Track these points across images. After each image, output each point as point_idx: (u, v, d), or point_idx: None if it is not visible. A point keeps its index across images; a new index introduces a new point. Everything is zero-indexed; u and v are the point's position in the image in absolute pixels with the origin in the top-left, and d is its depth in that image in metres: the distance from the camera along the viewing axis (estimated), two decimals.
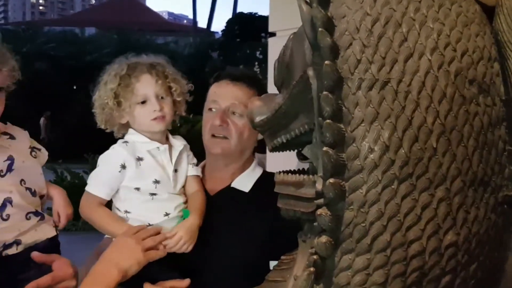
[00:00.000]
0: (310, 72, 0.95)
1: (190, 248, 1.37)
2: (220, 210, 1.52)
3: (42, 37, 15.80)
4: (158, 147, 1.44)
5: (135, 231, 1.23)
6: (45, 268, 1.20)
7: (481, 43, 0.93)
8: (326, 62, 0.88)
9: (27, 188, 1.21)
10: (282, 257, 1.18)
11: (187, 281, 1.31)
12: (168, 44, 18.45)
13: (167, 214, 1.40)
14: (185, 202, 1.48)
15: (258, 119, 1.15)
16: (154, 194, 1.40)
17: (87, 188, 1.39)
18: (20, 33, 16.20)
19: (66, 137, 13.53)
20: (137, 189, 1.40)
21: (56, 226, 1.29)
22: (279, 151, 1.18)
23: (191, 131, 11.43)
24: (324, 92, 0.88)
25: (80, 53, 14.80)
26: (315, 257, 0.87)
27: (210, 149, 1.59)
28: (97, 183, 1.39)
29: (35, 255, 1.18)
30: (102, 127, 1.46)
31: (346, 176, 0.87)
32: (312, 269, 0.86)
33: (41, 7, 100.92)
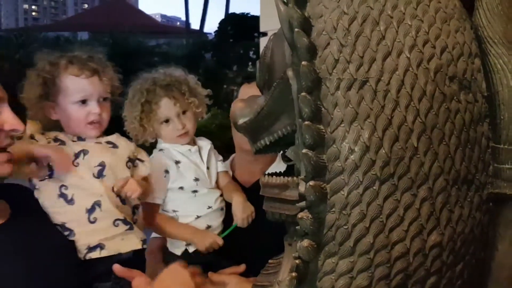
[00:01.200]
0: (290, 73, 0.93)
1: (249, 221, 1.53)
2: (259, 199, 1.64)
3: (35, 43, 15.76)
4: (189, 149, 1.60)
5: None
6: (124, 283, 1.14)
7: (461, 39, 0.91)
8: (303, 62, 0.86)
9: (118, 195, 1.18)
10: (270, 260, 1.17)
11: (243, 266, 1.43)
12: (161, 46, 18.44)
13: (209, 207, 1.58)
14: (221, 195, 1.65)
15: (241, 121, 1.13)
16: (196, 191, 1.56)
17: (150, 200, 1.50)
18: (13, 39, 16.13)
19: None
20: (181, 188, 1.55)
21: (143, 240, 1.25)
22: (263, 153, 1.17)
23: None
24: (302, 93, 0.86)
25: None
26: (297, 261, 0.86)
27: (242, 145, 1.72)
28: (157, 194, 1.52)
29: (117, 267, 1.11)
30: (135, 141, 1.58)
31: (327, 178, 0.86)
32: (294, 274, 0.85)
33: (33, 13, 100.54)
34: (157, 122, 1.56)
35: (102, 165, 1.20)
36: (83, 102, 1.18)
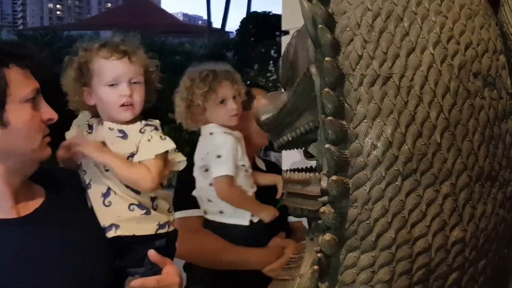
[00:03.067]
0: (313, 69, 0.94)
1: None
2: None
3: (60, 41, 16.05)
4: (238, 136, 1.73)
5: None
6: (157, 269, 1.17)
7: (486, 36, 0.91)
8: (327, 58, 0.87)
9: (128, 186, 1.19)
10: (291, 255, 1.18)
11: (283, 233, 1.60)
12: (183, 45, 18.56)
13: (253, 186, 1.73)
14: None
15: (263, 117, 1.14)
16: (247, 170, 1.72)
17: (226, 172, 1.62)
18: (39, 38, 16.47)
19: None
20: (243, 165, 1.70)
21: (160, 225, 1.25)
22: (285, 150, 1.18)
23: None
24: (326, 89, 0.87)
25: None
26: (319, 255, 0.87)
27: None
28: (230, 166, 1.64)
29: (152, 253, 1.14)
30: (183, 122, 1.80)
31: (350, 173, 0.87)
32: (316, 267, 0.86)
33: (58, 12, 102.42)
34: (214, 103, 1.69)
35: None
36: (114, 84, 1.16)
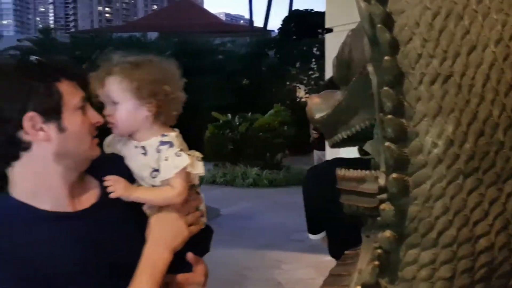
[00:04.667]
0: (370, 68, 0.95)
1: None
2: None
3: (110, 43, 16.55)
4: None
5: (177, 205, 1.22)
6: (188, 267, 1.25)
7: None
8: (386, 57, 0.88)
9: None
10: (346, 252, 1.19)
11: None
12: (225, 44, 18.70)
13: None
14: None
15: (318, 115, 1.17)
16: None
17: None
18: (89, 40, 17.03)
19: None
20: None
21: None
22: (339, 147, 1.19)
23: (249, 128, 11.59)
24: (385, 88, 0.88)
25: None
26: (379, 251, 0.88)
27: None
28: None
29: (190, 256, 1.24)
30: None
31: (410, 171, 0.87)
32: (376, 262, 0.87)
33: (107, 15, 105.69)
34: None
35: (132, 171, 1.27)
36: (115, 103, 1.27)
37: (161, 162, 1.21)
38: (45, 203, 1.10)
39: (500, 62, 0.86)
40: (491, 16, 0.88)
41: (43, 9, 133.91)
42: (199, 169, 1.28)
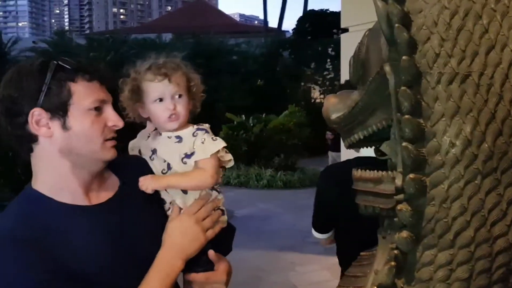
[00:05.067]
0: (387, 68, 0.95)
1: None
2: None
3: (125, 44, 16.68)
4: None
5: (195, 210, 1.25)
6: (209, 266, 1.26)
7: None
8: (404, 57, 0.88)
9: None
10: (362, 253, 1.19)
11: None
12: (240, 45, 18.73)
13: None
14: None
15: (334, 116, 1.16)
16: None
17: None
18: (104, 41, 17.21)
19: None
20: None
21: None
22: (355, 148, 1.19)
23: (264, 129, 11.58)
24: (402, 87, 0.88)
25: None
26: (396, 251, 0.88)
27: None
28: None
29: (211, 253, 1.25)
30: None
31: (427, 172, 0.87)
32: (393, 263, 0.87)
33: (122, 16, 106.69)
34: None
35: (165, 161, 1.32)
36: (161, 100, 1.32)
37: (197, 145, 1.29)
38: (64, 197, 1.14)
39: None
40: (510, 15, 0.87)
41: (58, 11, 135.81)
42: (228, 157, 1.35)
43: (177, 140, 1.31)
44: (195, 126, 1.32)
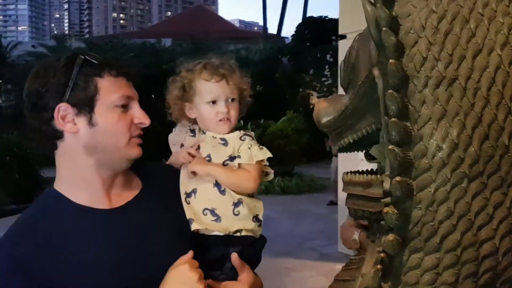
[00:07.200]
0: (376, 72, 0.95)
1: None
2: None
3: (124, 49, 16.74)
4: None
5: (188, 258, 1.13)
6: (233, 275, 1.21)
7: None
8: (391, 61, 0.88)
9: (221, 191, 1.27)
10: (351, 257, 1.19)
11: None
12: (239, 51, 18.80)
13: None
14: None
15: (324, 120, 1.16)
16: None
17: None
18: (104, 46, 17.27)
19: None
20: None
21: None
22: (346, 152, 1.19)
23: (262, 135, 11.59)
24: (389, 91, 0.88)
25: (157, 63, 15.50)
26: (382, 255, 0.87)
27: None
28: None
29: (234, 257, 1.20)
30: None
31: (414, 175, 0.87)
32: (379, 266, 0.87)
33: (122, 21, 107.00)
34: None
35: (209, 157, 1.29)
36: (213, 102, 1.29)
37: (243, 149, 1.26)
38: (81, 197, 1.11)
39: (506, 65, 0.85)
40: (497, 19, 0.88)
41: (58, 16, 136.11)
42: (269, 169, 1.32)
43: (222, 142, 1.28)
44: (242, 131, 1.30)
